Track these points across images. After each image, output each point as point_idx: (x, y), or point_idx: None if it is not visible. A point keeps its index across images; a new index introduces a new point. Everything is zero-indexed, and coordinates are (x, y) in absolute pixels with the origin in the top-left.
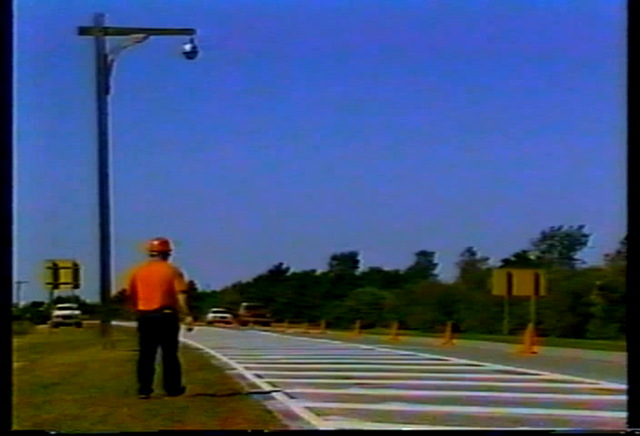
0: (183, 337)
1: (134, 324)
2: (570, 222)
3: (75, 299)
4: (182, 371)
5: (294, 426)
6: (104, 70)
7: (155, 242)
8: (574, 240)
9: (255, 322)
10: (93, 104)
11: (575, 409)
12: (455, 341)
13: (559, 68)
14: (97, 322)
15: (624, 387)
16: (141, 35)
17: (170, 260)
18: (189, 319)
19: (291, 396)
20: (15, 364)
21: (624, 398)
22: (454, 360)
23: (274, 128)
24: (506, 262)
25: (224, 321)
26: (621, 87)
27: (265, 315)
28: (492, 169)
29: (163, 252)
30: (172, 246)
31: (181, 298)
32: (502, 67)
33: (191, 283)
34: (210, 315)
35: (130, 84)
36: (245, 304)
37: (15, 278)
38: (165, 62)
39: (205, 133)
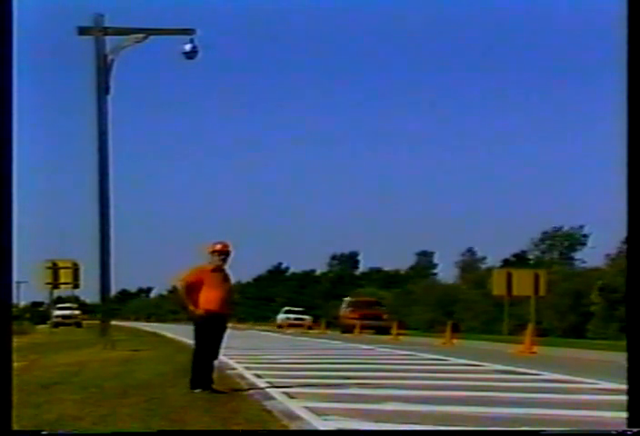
0: (182, 336)
1: (133, 324)
2: (570, 223)
3: (75, 299)
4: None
5: (293, 426)
6: (104, 70)
7: (218, 246)
8: (574, 240)
9: (367, 328)
10: (93, 104)
11: (575, 409)
12: (454, 341)
13: (560, 68)
14: (97, 322)
15: (624, 387)
16: (141, 35)
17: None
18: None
19: (291, 396)
20: (15, 364)
21: (624, 398)
22: (453, 360)
23: (273, 128)
24: (506, 262)
25: (300, 324)
26: (621, 87)
27: (382, 316)
28: (492, 169)
29: (216, 254)
30: (227, 248)
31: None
32: (502, 69)
33: None
34: (280, 316)
35: (130, 84)
36: (348, 300)
37: (15, 278)
38: (164, 62)
39: (204, 133)
